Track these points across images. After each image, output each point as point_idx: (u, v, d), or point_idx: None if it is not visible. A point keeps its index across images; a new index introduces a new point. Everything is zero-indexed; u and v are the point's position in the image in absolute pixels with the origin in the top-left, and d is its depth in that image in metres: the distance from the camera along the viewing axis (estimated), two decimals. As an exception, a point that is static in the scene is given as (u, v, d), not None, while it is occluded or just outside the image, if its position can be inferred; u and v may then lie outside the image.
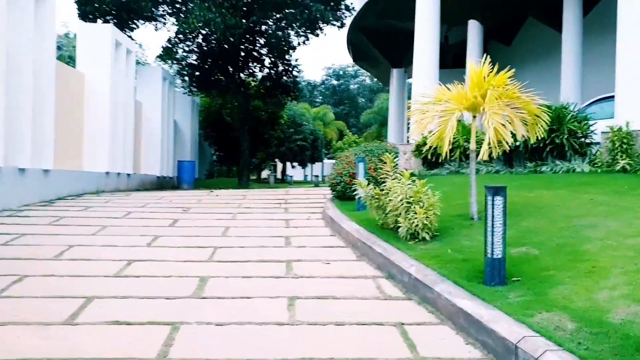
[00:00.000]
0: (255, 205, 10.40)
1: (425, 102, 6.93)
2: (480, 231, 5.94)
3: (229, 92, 24.53)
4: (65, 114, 12.64)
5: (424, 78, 15.03)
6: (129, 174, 15.88)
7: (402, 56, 26.42)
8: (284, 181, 40.90)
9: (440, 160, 12.20)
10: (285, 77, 24.50)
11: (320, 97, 75.18)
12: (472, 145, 6.68)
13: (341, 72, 75.51)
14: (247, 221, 8.57)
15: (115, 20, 18.49)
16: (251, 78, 24.88)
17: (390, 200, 6.32)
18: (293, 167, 46.43)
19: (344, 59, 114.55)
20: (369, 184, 7.19)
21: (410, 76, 33.21)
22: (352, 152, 10.78)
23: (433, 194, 6.13)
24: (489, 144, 6.07)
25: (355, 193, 8.26)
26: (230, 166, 33.49)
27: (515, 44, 24.50)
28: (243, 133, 23.88)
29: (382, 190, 6.83)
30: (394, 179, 6.78)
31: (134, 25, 20.11)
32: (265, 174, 54.27)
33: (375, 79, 71.55)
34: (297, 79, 24.80)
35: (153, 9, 19.40)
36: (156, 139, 18.91)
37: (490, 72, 6.42)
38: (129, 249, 6.38)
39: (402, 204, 6.07)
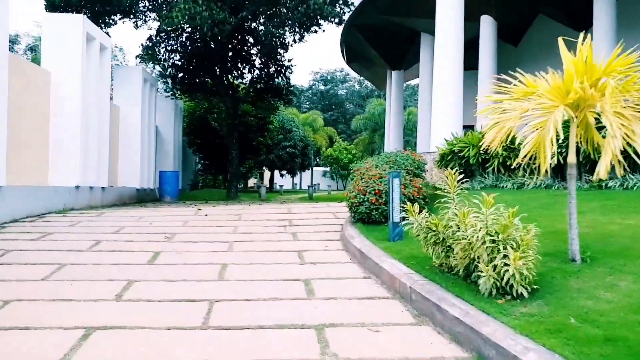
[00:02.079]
0: (255, 230, 8.47)
1: (501, 99, 5.03)
2: (599, 282, 4.12)
3: (216, 95, 22.56)
4: (25, 119, 10.65)
5: (447, 80, 13.16)
6: (103, 188, 13.87)
7: (403, 57, 24.75)
8: (272, 189, 38.91)
9: (472, 172, 10.41)
10: (277, 79, 22.59)
11: (308, 103, 73.35)
12: (571, 158, 4.80)
13: (329, 77, 73.80)
14: (248, 254, 6.65)
15: (88, 15, 16.47)
16: (240, 80, 22.91)
17: (461, 236, 4.46)
18: (282, 175, 44.47)
19: (332, 64, 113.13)
20: (421, 210, 5.33)
21: (409, 78, 31.61)
22: (372, 164, 8.94)
23: (525, 228, 4.29)
24: (614, 155, 4.20)
25: (374, 213, 6.44)
26: (216, 175, 31.46)
27: (524, 45, 22.85)
28: (232, 140, 21.89)
29: (439, 218, 4.99)
30: (458, 203, 4.94)
31: (110, 21, 18.08)
32: (251, 182, 52.28)
33: (368, 84, 70.07)
34: (290, 81, 22.86)
35: (132, 3, 17.36)
36: (135, 147, 16.90)
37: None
38: (90, 307, 4.45)
39: (484, 243, 4.21)
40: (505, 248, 4.11)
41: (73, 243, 7.20)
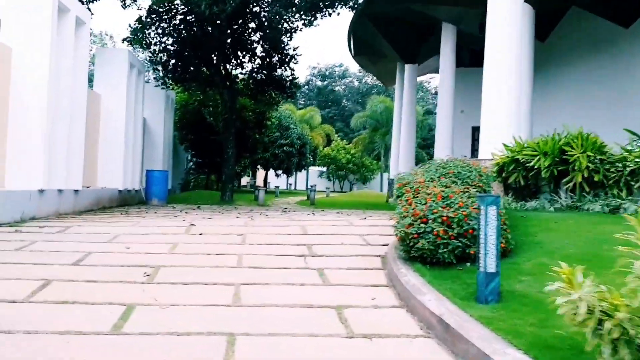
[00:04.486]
0: (266, 263, 6.21)
1: None
2: None
3: (212, 86, 20.27)
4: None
5: (503, 75, 10.86)
6: (76, 190, 11.58)
7: (418, 49, 22.57)
8: (265, 189, 36.56)
9: (537, 187, 8.23)
10: (280, 69, 20.32)
11: (304, 99, 70.99)
12: None
13: (327, 73, 71.45)
14: (263, 313, 4.41)
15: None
16: (240, 70, 20.62)
17: None
18: (277, 175, 42.18)
19: (330, 58, 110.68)
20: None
21: (422, 73, 29.42)
22: (422, 176, 6.74)
23: None
24: None
25: (441, 251, 4.28)
26: (210, 174, 29.15)
27: (552, 40, 20.71)
28: (228, 137, 19.63)
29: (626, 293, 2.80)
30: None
31: (93, -4, 15.76)
32: (244, 181, 49.92)
33: (368, 80, 67.70)
34: (294, 72, 20.61)
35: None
36: (119, 142, 14.63)
37: None
38: None
39: None
40: None
41: (4, 287, 4.94)
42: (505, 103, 10.44)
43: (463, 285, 4.73)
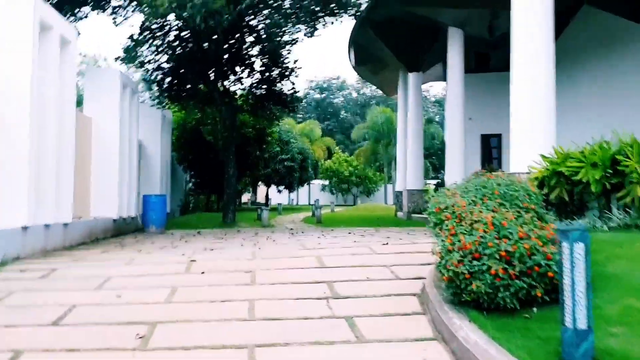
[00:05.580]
0: (282, 311, 5.18)
1: None
2: None
3: (210, 103, 19.36)
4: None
5: (536, 78, 9.86)
6: (66, 224, 10.59)
7: (422, 57, 21.68)
8: (267, 206, 35.48)
9: (582, 203, 7.24)
10: (280, 84, 19.41)
11: (302, 112, 70.18)
12: None
13: (325, 85, 70.62)
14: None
15: (52, 2, 13.25)
16: (239, 86, 19.71)
17: None
18: (279, 191, 41.17)
19: (327, 71, 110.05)
20: None
21: (426, 81, 28.56)
22: (459, 194, 5.76)
23: None
24: None
25: (502, 295, 3.32)
26: (210, 194, 28.17)
27: (564, 40, 19.80)
28: (229, 155, 18.67)
29: None
30: None
31: (80, 13, 14.84)
32: (245, 198, 48.93)
33: (366, 91, 66.93)
34: (295, 86, 19.71)
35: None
36: (112, 167, 13.66)
37: None
38: None
39: None
40: None
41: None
42: (540, 109, 9.47)
43: (538, 342, 3.73)
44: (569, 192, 7.13)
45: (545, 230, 4.81)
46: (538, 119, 9.44)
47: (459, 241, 4.70)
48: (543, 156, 7.78)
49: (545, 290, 4.32)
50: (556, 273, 4.31)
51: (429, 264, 6.94)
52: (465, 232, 4.87)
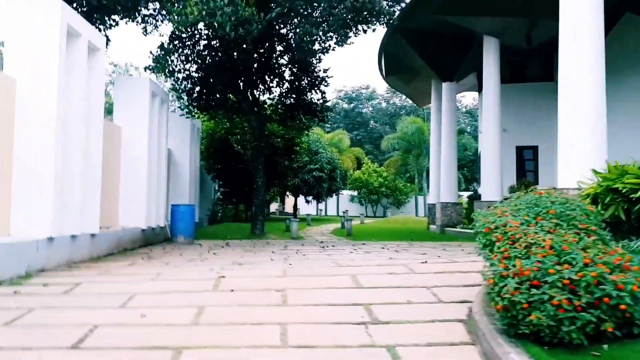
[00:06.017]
0: (317, 336, 4.76)
1: None
2: None
3: (240, 113, 19.13)
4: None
5: (587, 89, 9.31)
6: (93, 234, 10.36)
7: (456, 66, 21.16)
8: (295, 216, 35.13)
9: (640, 222, 6.68)
10: (310, 93, 19.09)
11: (330, 122, 69.95)
12: None
13: (354, 95, 70.24)
14: None
15: (82, 12, 13.14)
16: (268, 95, 19.43)
17: None
18: (308, 202, 40.80)
19: (356, 80, 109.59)
20: None
21: (460, 91, 27.99)
22: (509, 213, 5.30)
23: None
24: None
25: (566, 328, 2.84)
26: (238, 204, 27.94)
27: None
28: (257, 165, 18.39)
29: None
30: None
31: (111, 21, 14.74)
32: (273, 207, 48.69)
33: (396, 101, 66.35)
34: (325, 95, 19.35)
35: (138, 5, 13.88)
36: (141, 176, 13.46)
37: None
38: None
39: None
40: None
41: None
42: (590, 121, 8.90)
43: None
44: (626, 210, 6.58)
45: (611, 255, 4.32)
46: (588, 131, 8.88)
47: (514, 266, 4.24)
48: (595, 171, 7.25)
49: (616, 325, 3.84)
50: (629, 305, 3.83)
51: (472, 286, 6.48)
52: (520, 255, 4.41)
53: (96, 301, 6.16)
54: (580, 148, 8.84)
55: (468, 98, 68.24)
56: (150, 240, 13.91)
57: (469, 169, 53.87)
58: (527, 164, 23.12)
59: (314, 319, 5.32)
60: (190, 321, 5.30)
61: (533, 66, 22.86)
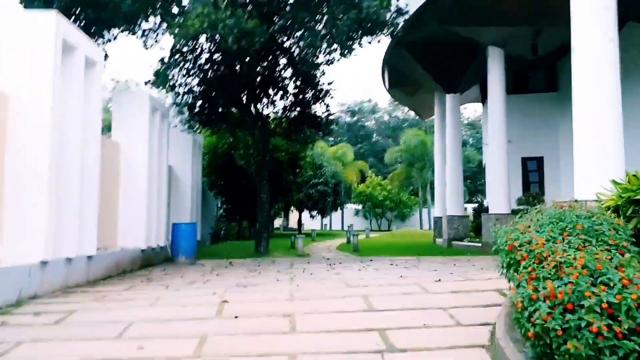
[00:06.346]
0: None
1: None
2: None
3: (243, 127, 18.80)
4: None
5: (604, 99, 8.94)
6: (90, 256, 9.96)
7: (459, 78, 20.83)
8: (300, 232, 34.70)
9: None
10: (314, 106, 18.78)
11: (333, 136, 69.72)
12: None
13: (356, 109, 70.04)
14: None
15: (80, 25, 12.85)
16: (271, 109, 19.11)
17: None
18: (312, 217, 40.36)
19: (358, 95, 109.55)
20: None
21: (463, 103, 27.64)
22: (531, 228, 4.90)
23: None
24: None
25: (611, 357, 2.38)
26: (241, 221, 27.53)
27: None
28: (261, 180, 18.01)
29: None
30: None
31: (110, 36, 14.45)
32: (277, 223, 48.24)
33: (399, 114, 66.08)
34: (329, 108, 19.05)
35: (135, 10, 13.59)
36: (141, 194, 13.09)
37: None
38: None
39: None
40: None
41: None
42: (607, 131, 8.51)
43: None
44: (651, 222, 6.16)
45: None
46: (605, 141, 8.49)
47: (544, 288, 3.83)
48: (614, 182, 6.83)
49: (664, 354, 3.43)
50: (677, 332, 3.42)
51: (491, 306, 6.08)
52: (549, 276, 4.01)
53: (90, 332, 5.74)
54: (598, 159, 8.45)
55: (469, 110, 68.01)
56: (151, 260, 13.50)
57: (472, 181, 53.42)
58: (531, 175, 22.72)
59: (325, 348, 4.90)
60: (192, 353, 4.88)
61: (536, 77, 22.57)
